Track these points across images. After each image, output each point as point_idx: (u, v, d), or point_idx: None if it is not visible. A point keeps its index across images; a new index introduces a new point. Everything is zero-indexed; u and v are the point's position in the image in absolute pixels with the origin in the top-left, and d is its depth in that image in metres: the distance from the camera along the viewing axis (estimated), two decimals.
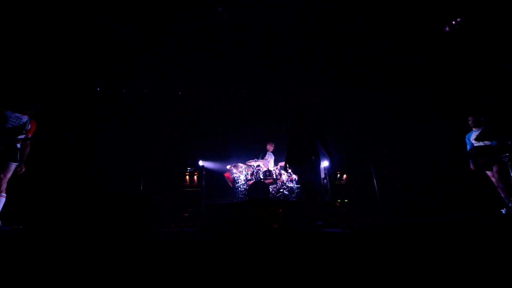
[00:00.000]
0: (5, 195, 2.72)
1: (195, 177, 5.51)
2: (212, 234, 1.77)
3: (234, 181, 5.78)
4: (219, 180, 6.24)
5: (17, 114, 2.97)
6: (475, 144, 3.76)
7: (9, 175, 2.81)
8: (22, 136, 2.94)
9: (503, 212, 3.41)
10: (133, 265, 1.05)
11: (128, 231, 1.31)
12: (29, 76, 5.11)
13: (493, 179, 3.68)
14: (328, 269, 0.92)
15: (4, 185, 2.74)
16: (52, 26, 4.69)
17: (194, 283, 0.88)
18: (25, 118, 3.00)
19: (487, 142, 3.56)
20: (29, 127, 3.04)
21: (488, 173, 3.73)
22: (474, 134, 3.81)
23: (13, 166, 2.86)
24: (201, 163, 6.00)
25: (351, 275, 0.84)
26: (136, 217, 1.34)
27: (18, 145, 2.97)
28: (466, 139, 3.99)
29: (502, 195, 3.57)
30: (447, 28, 5.46)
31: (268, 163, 5.71)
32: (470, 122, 3.86)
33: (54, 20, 4.62)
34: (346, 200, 5.58)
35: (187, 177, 5.47)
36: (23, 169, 2.98)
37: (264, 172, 5.33)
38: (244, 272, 0.94)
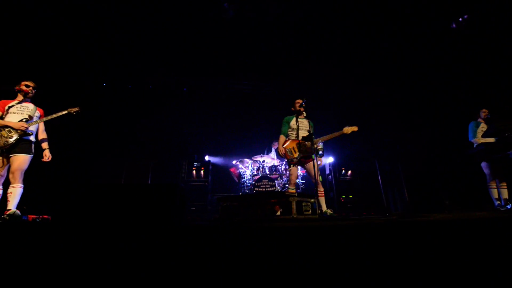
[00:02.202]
0: (22, 185, 2.78)
1: (202, 171, 5.57)
2: (232, 222, 1.83)
3: (240, 176, 5.84)
4: (225, 175, 6.30)
5: (23, 104, 3.03)
6: (480, 141, 3.79)
7: (25, 167, 2.86)
8: (32, 120, 3.00)
9: (509, 207, 3.46)
10: (162, 246, 1.11)
11: (157, 216, 1.37)
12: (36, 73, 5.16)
13: (487, 174, 3.74)
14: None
15: (21, 177, 2.80)
16: (57, 19, 4.72)
17: (218, 262, 0.94)
18: (31, 106, 3.06)
19: (493, 139, 3.59)
20: (38, 115, 3.10)
21: (483, 167, 3.78)
22: (481, 127, 3.83)
23: (28, 158, 2.91)
24: (207, 158, 6.06)
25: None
26: (164, 203, 1.40)
27: (32, 138, 3.02)
28: (471, 126, 4.00)
29: (490, 191, 3.69)
30: (454, 25, 5.46)
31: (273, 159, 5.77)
32: (483, 115, 3.88)
33: (58, 13, 4.64)
34: (350, 196, 5.65)
35: (194, 171, 5.54)
36: (50, 157, 3.11)
37: (270, 167, 5.39)
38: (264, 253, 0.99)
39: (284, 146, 3.51)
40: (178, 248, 1.06)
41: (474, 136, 3.88)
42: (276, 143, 5.96)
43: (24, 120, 2.94)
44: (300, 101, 3.59)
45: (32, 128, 3.00)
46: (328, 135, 3.46)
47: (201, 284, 0.85)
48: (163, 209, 1.43)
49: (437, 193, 5.24)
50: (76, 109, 3.24)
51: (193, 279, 0.89)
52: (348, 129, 3.47)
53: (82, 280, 0.90)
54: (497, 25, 5.08)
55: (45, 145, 3.15)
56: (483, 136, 3.76)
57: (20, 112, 2.96)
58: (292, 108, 3.72)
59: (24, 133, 2.88)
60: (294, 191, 3.27)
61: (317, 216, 2.80)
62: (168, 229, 1.08)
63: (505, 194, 3.58)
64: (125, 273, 0.91)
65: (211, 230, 1.11)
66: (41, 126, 3.18)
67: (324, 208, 3.20)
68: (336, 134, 3.46)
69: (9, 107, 2.96)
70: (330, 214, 3.11)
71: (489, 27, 5.16)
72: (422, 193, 5.54)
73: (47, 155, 3.11)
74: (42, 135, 3.18)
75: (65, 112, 3.18)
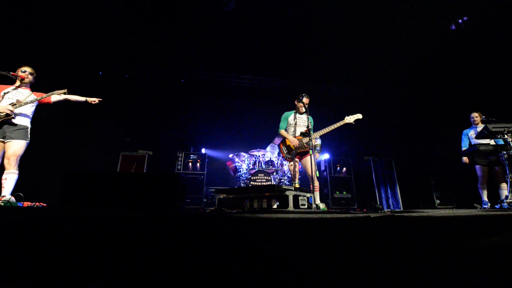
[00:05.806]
0: (17, 172, 2.76)
1: (198, 164, 5.57)
2: (228, 213, 1.85)
3: (236, 170, 5.86)
4: (221, 168, 6.31)
5: (19, 89, 3.00)
6: (474, 142, 3.88)
7: (20, 153, 2.84)
8: (32, 98, 2.98)
9: (505, 206, 3.54)
10: (166, 233, 1.12)
11: (160, 203, 1.38)
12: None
13: (479, 175, 3.87)
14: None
15: (17, 163, 2.78)
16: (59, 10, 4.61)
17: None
18: (26, 92, 3.02)
19: (487, 140, 3.67)
20: (36, 98, 3.03)
21: (477, 170, 3.90)
22: (473, 131, 3.93)
23: (24, 144, 2.88)
24: (204, 150, 6.05)
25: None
26: (166, 192, 1.41)
27: (28, 124, 2.98)
28: (463, 136, 4.12)
29: (480, 192, 3.88)
30: (453, 27, 5.50)
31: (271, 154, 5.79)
32: (474, 119, 3.97)
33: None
34: (344, 192, 5.72)
35: (190, 164, 5.53)
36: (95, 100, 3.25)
37: (266, 162, 5.41)
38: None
39: (280, 143, 3.54)
40: (178, 236, 1.08)
41: (463, 146, 4.08)
42: (277, 139, 5.98)
43: (11, 104, 2.89)
44: (299, 97, 3.57)
45: (23, 111, 2.92)
46: (328, 127, 3.35)
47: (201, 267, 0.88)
48: (165, 198, 1.44)
49: (429, 191, 5.35)
50: (64, 90, 3.16)
51: (193, 265, 0.92)
52: (350, 118, 3.42)
53: (89, 265, 0.91)
54: (497, 28, 5.14)
55: (80, 97, 3.21)
56: (477, 137, 3.84)
57: (13, 98, 2.91)
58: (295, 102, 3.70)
59: (7, 116, 2.80)
60: (298, 185, 3.30)
61: (312, 210, 2.84)
62: (171, 217, 1.10)
63: (503, 195, 3.68)
64: (129, 257, 0.93)
65: (210, 218, 1.14)
66: (54, 98, 3.13)
67: (317, 201, 3.26)
68: (338, 124, 3.36)
69: (5, 93, 2.91)
70: (323, 208, 3.17)
71: (489, 30, 5.21)
72: (414, 190, 5.67)
73: (94, 100, 3.22)
74: (65, 98, 3.16)
75: (50, 93, 3.09)
